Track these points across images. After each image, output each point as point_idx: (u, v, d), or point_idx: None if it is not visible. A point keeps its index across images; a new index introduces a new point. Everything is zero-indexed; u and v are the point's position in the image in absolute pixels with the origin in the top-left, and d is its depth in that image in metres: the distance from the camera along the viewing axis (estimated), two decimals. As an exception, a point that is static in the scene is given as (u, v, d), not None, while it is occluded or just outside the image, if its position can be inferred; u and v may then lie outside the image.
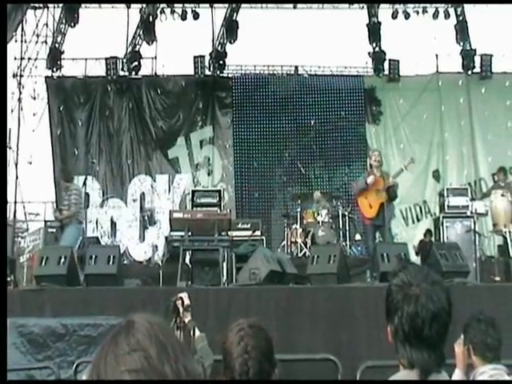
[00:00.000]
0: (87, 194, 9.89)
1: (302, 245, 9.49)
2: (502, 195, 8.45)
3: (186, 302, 3.42)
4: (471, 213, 8.68)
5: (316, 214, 9.71)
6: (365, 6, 12.94)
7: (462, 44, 13.01)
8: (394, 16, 12.80)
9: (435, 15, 12.77)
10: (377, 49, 13.08)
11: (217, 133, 12.94)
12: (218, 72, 13.15)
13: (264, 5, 12.98)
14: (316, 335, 5.48)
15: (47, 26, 12.96)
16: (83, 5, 12.48)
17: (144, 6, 12.76)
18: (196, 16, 12.79)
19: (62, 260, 6.27)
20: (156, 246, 11.76)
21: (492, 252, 9.81)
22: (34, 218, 12.28)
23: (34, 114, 12.69)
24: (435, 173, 12.61)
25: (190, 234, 7.15)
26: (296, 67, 13.31)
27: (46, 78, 12.94)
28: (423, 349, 1.55)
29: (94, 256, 6.47)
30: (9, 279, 6.78)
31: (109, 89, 12.94)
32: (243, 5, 12.94)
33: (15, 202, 9.41)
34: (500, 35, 12.37)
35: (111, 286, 6.26)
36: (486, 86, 12.83)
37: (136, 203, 12.51)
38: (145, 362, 0.93)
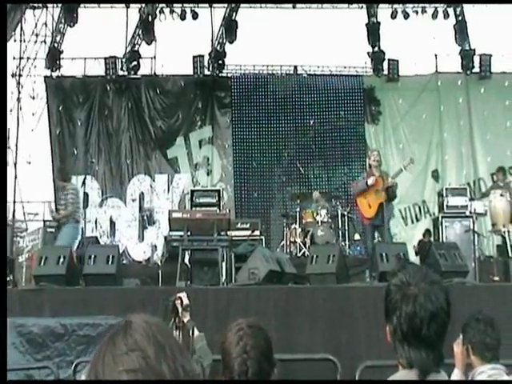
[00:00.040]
0: (86, 194, 9.88)
1: (301, 244, 9.50)
2: (501, 195, 8.45)
3: (185, 301, 3.42)
4: (470, 213, 8.69)
5: (315, 214, 9.71)
6: (364, 6, 12.94)
7: (461, 44, 13.02)
8: (393, 16, 12.81)
9: (434, 15, 12.78)
10: (376, 49, 13.08)
11: (216, 133, 12.94)
12: (217, 72, 13.15)
13: (263, 4, 12.98)
14: (315, 335, 5.48)
15: (46, 25, 12.96)
16: (82, 4, 12.48)
17: (143, 5, 12.75)
18: (195, 16, 12.79)
19: (61, 260, 6.27)
20: (155, 246, 11.76)
21: (491, 252, 9.82)
22: (32, 218, 12.28)
23: (33, 114, 12.69)
24: (434, 173, 12.62)
25: (189, 233, 7.14)
26: (295, 67, 13.31)
27: (45, 77, 12.94)
28: (422, 348, 1.56)
29: (93, 256, 6.47)
30: (8, 279, 6.77)
31: (108, 88, 12.94)
32: (242, 4, 12.94)
33: (14, 202, 9.41)
34: (499, 35, 12.38)
35: (110, 285, 6.25)
36: (485, 85, 12.84)
37: (135, 203, 12.51)
38: (142, 362, 0.93)
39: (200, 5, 12.85)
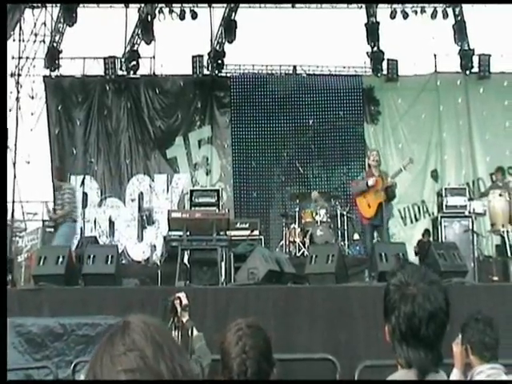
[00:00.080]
0: (85, 194, 9.87)
1: (301, 244, 9.50)
2: (500, 195, 8.45)
3: (184, 301, 3.42)
4: (469, 212, 8.69)
5: (314, 214, 9.72)
6: (363, 6, 12.94)
7: (460, 44, 13.02)
8: (393, 16, 12.81)
9: (433, 15, 12.78)
10: (375, 48, 13.09)
11: (215, 132, 12.94)
12: (217, 72, 13.15)
13: (262, 4, 12.98)
14: (314, 335, 5.49)
15: (45, 25, 12.94)
16: (81, 4, 12.47)
17: (142, 5, 12.74)
18: (194, 16, 12.79)
19: (60, 260, 6.27)
20: (154, 246, 11.76)
21: (490, 252, 9.82)
22: (32, 218, 12.27)
23: (32, 114, 12.67)
24: (433, 172, 12.62)
25: (188, 233, 7.14)
26: (294, 67, 13.31)
27: (44, 77, 12.93)
28: (420, 348, 1.56)
29: (92, 256, 6.47)
30: (7, 279, 6.77)
31: (107, 88, 12.93)
32: (241, 4, 12.94)
33: (13, 202, 9.41)
34: (498, 35, 12.38)
35: (109, 285, 6.25)
36: (484, 85, 12.85)
37: (134, 203, 12.50)
38: (140, 362, 0.93)
39: (199, 5, 12.84)
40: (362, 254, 9.14)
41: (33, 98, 12.88)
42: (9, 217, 9.01)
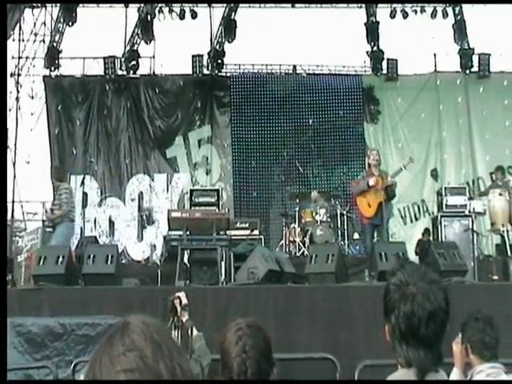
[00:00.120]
0: (85, 194, 9.87)
1: (301, 244, 9.50)
2: (500, 194, 8.45)
3: (184, 301, 3.43)
4: (469, 212, 8.69)
5: (314, 214, 9.72)
6: (363, 6, 12.95)
7: (460, 43, 13.02)
8: (392, 15, 12.81)
9: (433, 14, 12.78)
10: (375, 48, 13.09)
11: (215, 132, 12.94)
12: (216, 71, 13.15)
13: (262, 4, 12.98)
14: (314, 334, 5.49)
15: (45, 24, 12.94)
16: (81, 4, 12.47)
17: (142, 5, 12.74)
18: (194, 15, 12.78)
19: (60, 259, 6.27)
20: (154, 246, 11.76)
21: (490, 251, 9.82)
22: (31, 218, 12.27)
23: (31, 114, 12.67)
24: (433, 172, 12.62)
25: (188, 233, 7.14)
26: (294, 66, 13.31)
27: (44, 77, 12.93)
28: (420, 348, 1.55)
29: (92, 255, 6.46)
30: (7, 278, 6.77)
31: (107, 88, 12.93)
32: (241, 4, 12.94)
33: (13, 202, 9.40)
34: (498, 34, 12.38)
35: (109, 285, 6.25)
36: (484, 85, 12.85)
37: (134, 202, 12.50)
38: (140, 362, 0.93)
39: (199, 4, 12.84)
40: (362, 253, 9.14)
41: (33, 97, 12.88)
42: (9, 217, 9.01)
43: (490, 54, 12.78)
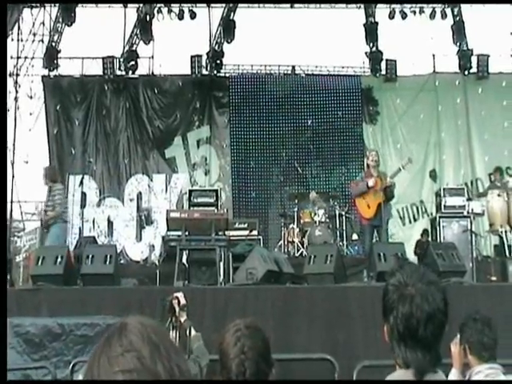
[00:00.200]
0: (84, 194, 9.88)
1: (299, 244, 9.50)
2: (499, 195, 8.46)
3: (182, 301, 3.43)
4: (468, 213, 8.69)
5: (313, 214, 9.72)
6: (362, 6, 12.95)
7: (458, 44, 13.03)
8: (391, 16, 12.81)
9: (432, 15, 12.79)
10: (374, 49, 13.09)
11: (214, 132, 12.93)
12: (215, 71, 13.14)
13: (261, 4, 12.98)
14: (313, 335, 5.49)
15: (44, 24, 12.93)
16: (80, 4, 12.45)
17: (141, 5, 12.74)
18: (193, 15, 12.78)
19: (59, 260, 6.27)
20: (153, 246, 11.75)
21: (488, 252, 9.82)
22: (30, 218, 12.26)
23: (30, 114, 12.67)
24: (432, 172, 12.63)
25: (186, 233, 7.14)
26: (293, 67, 13.31)
27: (43, 77, 12.92)
28: (418, 349, 1.56)
29: (90, 255, 6.46)
30: (7, 279, 6.76)
31: (106, 88, 12.92)
32: (240, 4, 12.93)
33: (11, 202, 9.39)
34: (497, 35, 12.40)
35: (108, 285, 6.25)
36: (483, 86, 12.86)
37: (133, 203, 12.49)
38: (138, 363, 0.93)
39: (198, 4, 12.84)
40: (361, 254, 9.15)
41: (31, 97, 12.87)
42: (7, 217, 9.00)
43: (488, 55, 12.80)
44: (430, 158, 12.70)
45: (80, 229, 9.95)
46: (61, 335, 5.32)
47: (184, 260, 7.52)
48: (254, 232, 9.45)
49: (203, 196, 8.74)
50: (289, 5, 13.04)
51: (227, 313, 5.41)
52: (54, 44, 12.88)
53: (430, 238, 9.59)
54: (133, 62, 12.94)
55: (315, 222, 9.56)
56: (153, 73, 13.29)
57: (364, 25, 13.05)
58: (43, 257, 6.34)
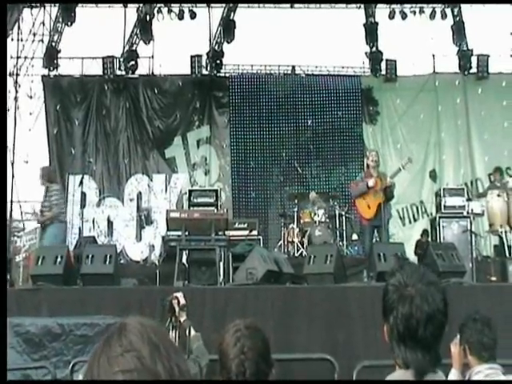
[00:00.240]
0: (84, 194, 9.87)
1: (299, 244, 9.50)
2: (498, 195, 8.46)
3: (182, 301, 3.43)
4: (468, 213, 8.69)
5: (313, 214, 9.72)
6: (362, 6, 12.95)
7: (458, 44, 13.04)
8: (391, 16, 12.82)
9: (432, 15, 12.79)
10: (374, 49, 13.09)
11: (214, 132, 12.93)
12: (215, 71, 13.14)
13: (261, 4, 12.98)
14: (313, 335, 5.49)
15: (44, 24, 12.93)
16: (80, 4, 12.46)
17: (141, 5, 12.74)
18: (193, 15, 12.78)
19: (59, 259, 6.27)
20: (153, 246, 11.75)
21: (488, 252, 9.82)
22: (30, 218, 12.26)
23: (30, 113, 12.67)
24: (432, 173, 12.63)
25: (186, 233, 7.14)
26: (293, 67, 13.31)
27: (43, 76, 12.91)
28: (418, 349, 1.56)
29: (90, 255, 6.46)
30: (7, 279, 6.75)
31: (106, 88, 12.92)
32: (240, 4, 12.93)
33: (11, 202, 9.39)
34: (496, 36, 12.41)
35: (108, 285, 6.25)
36: (483, 86, 12.86)
37: (133, 203, 12.49)
38: (138, 363, 0.94)
39: (198, 4, 12.84)
40: (361, 254, 9.15)
41: (31, 97, 12.87)
42: (7, 216, 9.00)
43: (488, 55, 12.80)
44: (430, 158, 12.70)
45: (80, 229, 9.95)
46: (60, 335, 5.32)
47: (184, 260, 7.52)
48: (254, 232, 9.45)
49: (203, 196, 8.74)
50: (289, 5, 13.04)
51: (227, 313, 5.41)
52: (53, 44, 12.88)
53: (429, 239, 9.59)
54: (133, 62, 12.94)
55: (315, 222, 9.56)
56: (153, 73, 13.29)
57: (364, 25, 13.05)
58: (43, 257, 6.34)
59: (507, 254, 8.11)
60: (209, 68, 13.06)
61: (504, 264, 7.73)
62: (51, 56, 12.78)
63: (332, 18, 12.83)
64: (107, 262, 6.41)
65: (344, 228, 10.02)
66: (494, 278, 7.55)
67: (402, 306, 1.56)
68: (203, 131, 12.95)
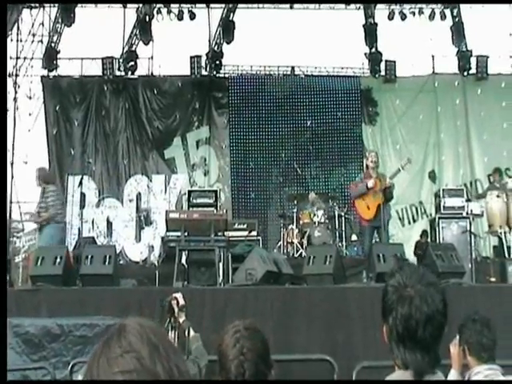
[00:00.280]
0: (83, 194, 9.86)
1: (298, 245, 9.50)
2: (498, 196, 8.47)
3: (181, 302, 3.43)
4: (467, 214, 8.70)
5: (312, 215, 9.72)
6: (361, 7, 12.96)
7: (458, 45, 13.05)
8: (391, 17, 12.83)
9: (431, 16, 12.80)
10: (373, 50, 13.10)
11: (213, 133, 12.93)
12: (215, 72, 13.15)
13: (261, 5, 12.99)
14: (312, 335, 5.49)
15: (43, 25, 12.93)
16: (79, 4, 12.45)
17: (140, 5, 12.74)
18: (192, 16, 12.79)
19: (58, 260, 6.27)
20: (152, 246, 11.74)
21: (487, 253, 9.83)
22: (29, 218, 12.24)
23: (29, 114, 12.66)
24: (431, 173, 12.64)
25: (186, 234, 7.14)
26: (292, 68, 13.32)
27: (42, 77, 12.91)
28: (417, 350, 1.56)
29: (89, 256, 6.46)
30: (7, 279, 6.75)
31: (105, 89, 12.92)
32: (240, 5, 12.94)
33: (11, 202, 9.40)
34: (496, 36, 12.42)
35: (107, 286, 6.25)
36: (482, 87, 12.88)
37: (132, 203, 12.49)
38: (137, 363, 0.94)
39: (197, 5, 12.85)
40: (360, 254, 9.15)
41: (30, 98, 12.87)
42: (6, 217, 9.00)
43: (487, 56, 12.81)
44: (430, 159, 12.71)
45: (79, 229, 9.94)
46: (60, 336, 5.32)
47: (183, 260, 7.52)
48: (254, 233, 9.45)
49: (202, 197, 8.74)
50: (288, 5, 13.05)
51: (226, 313, 5.41)
52: (53, 44, 12.88)
53: (429, 239, 9.60)
54: (132, 63, 12.94)
55: (314, 223, 9.56)
56: (152, 73, 13.29)
57: (363, 26, 13.06)
58: (42, 257, 6.34)
59: (506, 255, 8.12)
60: (208, 69, 13.06)
61: (503, 265, 7.73)
62: (50, 56, 12.77)
63: (331, 19, 12.84)
64: (106, 263, 6.41)
65: (343, 229, 10.02)
66: (493, 279, 7.56)
67: (401, 306, 1.57)
68: (202, 132, 12.95)
